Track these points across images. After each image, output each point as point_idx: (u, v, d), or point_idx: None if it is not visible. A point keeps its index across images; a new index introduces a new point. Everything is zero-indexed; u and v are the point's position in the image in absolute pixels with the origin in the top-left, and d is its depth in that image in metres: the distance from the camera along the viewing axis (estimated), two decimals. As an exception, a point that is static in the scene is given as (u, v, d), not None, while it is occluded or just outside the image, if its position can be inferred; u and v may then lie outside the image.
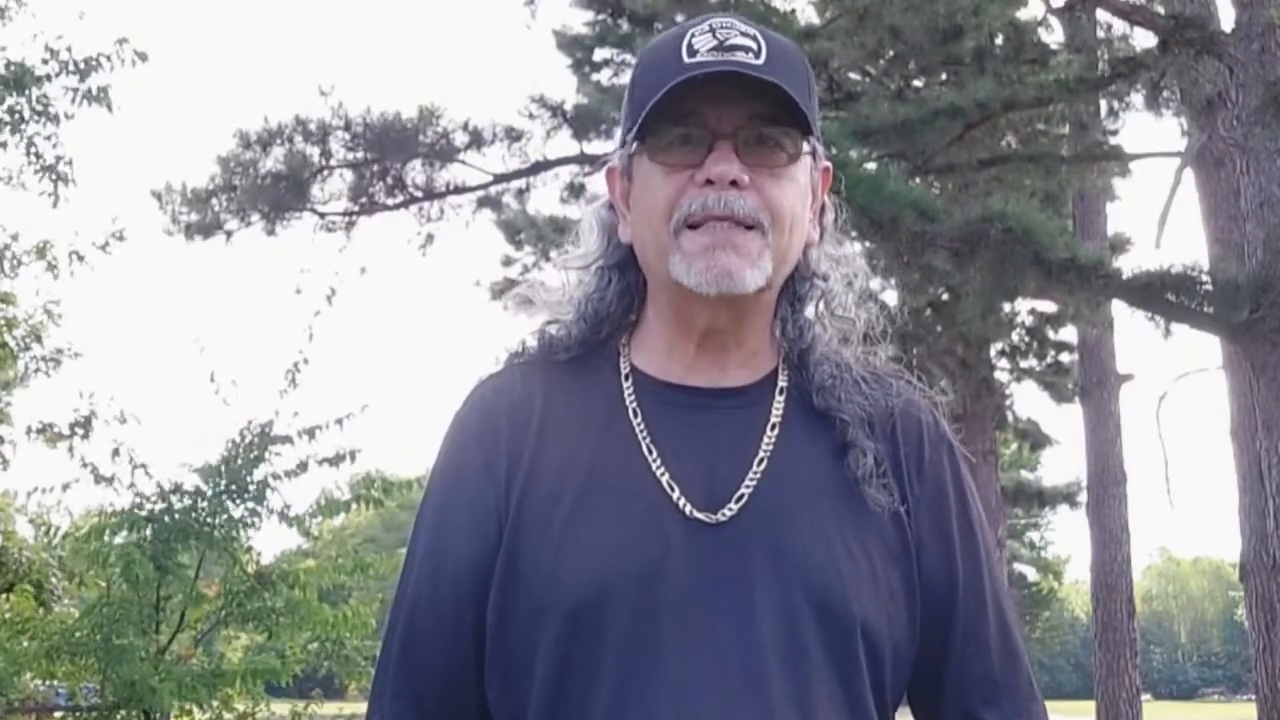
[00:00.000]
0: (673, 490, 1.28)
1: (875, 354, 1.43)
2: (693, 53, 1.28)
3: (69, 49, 7.49)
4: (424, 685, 1.32)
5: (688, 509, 1.27)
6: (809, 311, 1.39)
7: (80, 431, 6.95)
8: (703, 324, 1.34)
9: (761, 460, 1.31)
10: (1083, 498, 14.29)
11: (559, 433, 1.34)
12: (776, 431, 1.33)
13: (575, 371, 1.39)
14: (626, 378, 1.37)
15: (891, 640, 1.29)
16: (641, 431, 1.33)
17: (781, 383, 1.37)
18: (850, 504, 1.30)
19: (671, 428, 1.33)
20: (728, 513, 1.28)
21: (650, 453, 1.31)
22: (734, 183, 1.27)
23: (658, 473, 1.30)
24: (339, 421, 6.65)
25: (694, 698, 1.21)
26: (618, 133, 1.43)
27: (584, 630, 1.24)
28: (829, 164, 1.40)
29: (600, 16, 13.35)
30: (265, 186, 12.48)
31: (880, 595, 1.28)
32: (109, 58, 7.55)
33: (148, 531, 6.26)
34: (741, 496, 1.28)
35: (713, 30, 1.29)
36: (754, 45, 1.28)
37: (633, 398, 1.35)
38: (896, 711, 1.34)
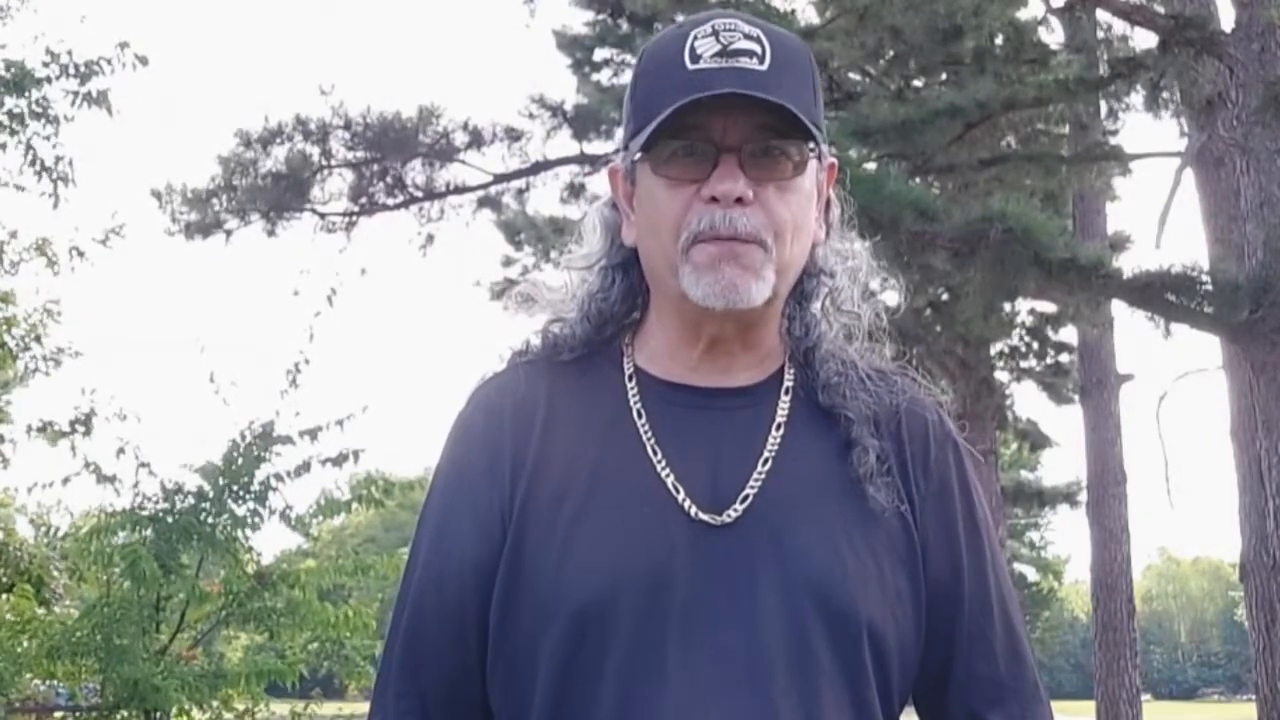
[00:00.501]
0: (677, 491, 1.28)
1: (880, 352, 1.43)
2: (695, 58, 1.27)
3: (69, 52, 7.50)
4: (427, 685, 1.32)
5: (693, 510, 1.27)
6: (815, 308, 1.38)
7: (81, 429, 6.94)
8: (709, 334, 1.33)
9: (766, 460, 1.30)
10: (1083, 498, 14.29)
11: (563, 433, 1.33)
12: (782, 431, 1.32)
13: (579, 371, 1.38)
14: (630, 378, 1.37)
15: (898, 641, 1.28)
16: (646, 432, 1.32)
17: (787, 382, 1.36)
18: (856, 503, 1.30)
19: (676, 428, 1.32)
20: (732, 514, 1.27)
21: (655, 454, 1.30)
22: (739, 199, 1.26)
23: (662, 474, 1.29)
24: (340, 422, 6.65)
25: (699, 701, 1.21)
26: (618, 132, 1.41)
27: (588, 632, 1.23)
28: (835, 160, 1.39)
29: (600, 16, 13.35)
30: (265, 186, 12.48)
31: (886, 596, 1.27)
32: (109, 61, 7.55)
33: (149, 531, 6.26)
34: (746, 498, 1.28)
35: (716, 33, 1.27)
36: (758, 49, 1.27)
37: (637, 398, 1.35)
38: (902, 712, 1.34)
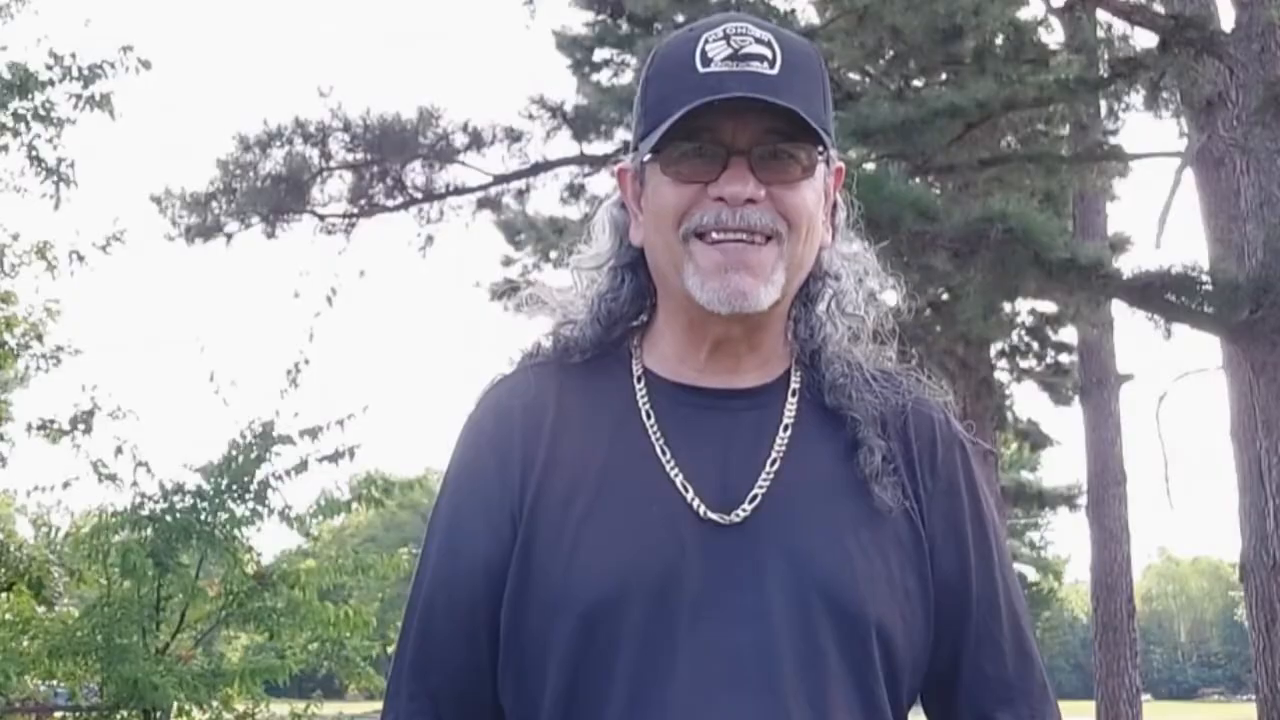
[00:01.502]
0: (686, 491, 1.29)
1: (885, 353, 1.43)
2: (707, 61, 1.27)
3: (73, 55, 7.51)
4: (439, 685, 1.33)
5: (702, 510, 1.28)
6: (820, 310, 1.39)
7: (81, 427, 6.94)
8: (715, 335, 1.34)
9: (774, 461, 1.31)
10: (1083, 500, 14.29)
11: (572, 434, 1.34)
12: (789, 432, 1.33)
13: (588, 373, 1.39)
14: (639, 379, 1.37)
15: (906, 641, 1.29)
16: (655, 433, 1.33)
17: (794, 384, 1.37)
18: (864, 503, 1.30)
19: (684, 429, 1.33)
20: (741, 514, 1.28)
21: (664, 454, 1.31)
22: (749, 200, 1.27)
23: (671, 474, 1.30)
24: (340, 422, 6.66)
25: (708, 700, 1.21)
26: (618, 133, 1.42)
27: (597, 631, 1.24)
28: (841, 163, 1.40)
29: (600, 17, 13.34)
30: (265, 189, 12.48)
31: (895, 595, 1.28)
32: (113, 65, 7.56)
33: (149, 531, 6.27)
34: (755, 497, 1.28)
35: (727, 37, 1.28)
36: (769, 53, 1.27)
37: (645, 399, 1.35)
38: (910, 711, 1.34)
